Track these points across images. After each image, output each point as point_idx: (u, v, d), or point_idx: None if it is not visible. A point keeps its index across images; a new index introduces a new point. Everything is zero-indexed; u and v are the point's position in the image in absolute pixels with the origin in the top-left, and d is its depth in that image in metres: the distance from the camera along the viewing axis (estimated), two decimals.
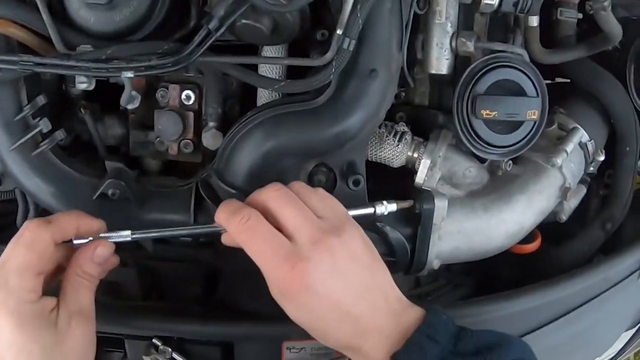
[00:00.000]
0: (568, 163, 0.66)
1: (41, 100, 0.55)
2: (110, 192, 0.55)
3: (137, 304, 0.67)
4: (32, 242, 0.45)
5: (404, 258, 0.60)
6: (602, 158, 0.70)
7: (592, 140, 0.69)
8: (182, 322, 0.58)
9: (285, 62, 0.58)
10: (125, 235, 0.50)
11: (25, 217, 0.63)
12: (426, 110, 0.66)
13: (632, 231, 0.73)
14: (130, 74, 0.51)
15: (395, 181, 0.65)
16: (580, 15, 0.68)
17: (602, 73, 0.69)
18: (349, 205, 0.52)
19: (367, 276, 0.48)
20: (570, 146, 0.66)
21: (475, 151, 0.60)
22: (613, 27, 0.61)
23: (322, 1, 0.53)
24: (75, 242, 0.49)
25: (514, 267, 0.74)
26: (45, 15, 0.50)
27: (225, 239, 0.50)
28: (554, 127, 0.69)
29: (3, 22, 0.51)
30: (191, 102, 0.60)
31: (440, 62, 0.61)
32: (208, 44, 0.51)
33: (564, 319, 0.65)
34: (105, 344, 0.58)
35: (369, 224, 0.55)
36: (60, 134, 0.57)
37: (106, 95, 0.60)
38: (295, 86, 0.54)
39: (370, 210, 0.53)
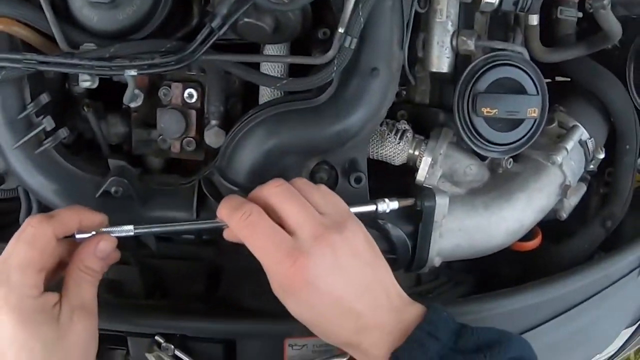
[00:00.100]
0: (568, 161, 0.66)
1: (44, 98, 0.56)
2: (113, 189, 0.56)
3: (140, 302, 0.67)
4: (33, 238, 0.45)
5: (405, 255, 0.60)
6: (602, 156, 0.70)
7: (592, 138, 0.69)
8: (185, 320, 0.58)
9: (287, 61, 0.58)
10: (128, 230, 0.50)
11: (28, 215, 0.63)
12: (427, 109, 0.66)
13: (632, 229, 0.74)
14: (133, 72, 0.51)
15: (396, 179, 0.65)
16: (580, 14, 0.69)
17: (602, 71, 0.69)
18: (350, 203, 0.52)
19: (368, 273, 0.48)
20: (571, 144, 0.66)
21: (476, 149, 0.60)
22: (613, 25, 0.62)
23: (323, 0, 0.54)
24: (77, 236, 0.49)
25: (514, 265, 0.74)
26: (48, 14, 0.51)
27: (227, 235, 0.50)
28: (554, 125, 0.69)
29: (7, 21, 0.52)
30: (194, 100, 0.60)
31: (441, 61, 0.61)
32: (210, 42, 0.51)
33: (565, 316, 0.65)
34: (107, 342, 0.58)
35: (370, 221, 0.56)
36: (63, 132, 0.57)
37: (109, 93, 0.60)
38: (297, 84, 0.54)
39: (372, 207, 0.54)
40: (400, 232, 0.59)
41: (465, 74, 0.59)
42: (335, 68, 0.52)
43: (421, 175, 0.62)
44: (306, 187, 0.50)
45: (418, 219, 0.59)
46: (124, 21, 0.53)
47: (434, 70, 0.62)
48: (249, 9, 0.51)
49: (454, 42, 0.60)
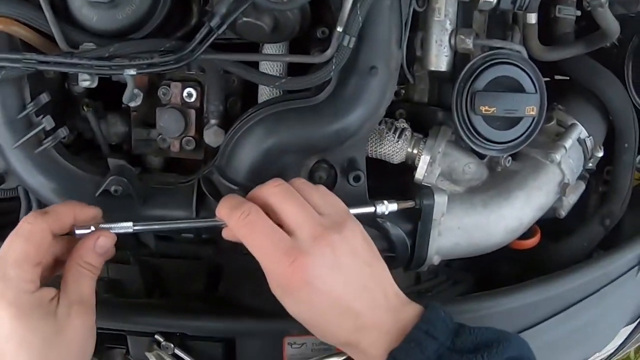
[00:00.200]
0: (567, 159, 0.66)
1: (44, 98, 0.56)
2: (112, 189, 0.56)
3: (140, 301, 0.67)
4: (29, 233, 0.46)
5: (404, 254, 0.60)
6: (600, 154, 0.70)
7: (591, 137, 0.70)
8: (185, 318, 0.58)
9: (286, 60, 0.58)
10: (127, 226, 0.50)
11: None
12: (426, 107, 0.66)
13: (631, 227, 0.74)
14: (132, 72, 0.51)
15: (395, 177, 0.65)
16: (579, 13, 0.69)
17: (601, 70, 0.69)
18: (349, 201, 0.52)
19: (367, 273, 0.48)
20: (569, 142, 0.66)
21: (474, 147, 0.60)
22: (610, 23, 0.62)
23: None
24: (77, 232, 0.49)
25: (513, 263, 0.74)
26: (48, 14, 0.51)
27: (225, 234, 0.51)
28: (552, 123, 0.69)
29: (6, 21, 0.52)
30: (193, 99, 0.60)
31: (439, 59, 0.61)
32: (209, 41, 0.51)
33: (564, 315, 0.65)
34: (107, 341, 0.58)
35: (369, 220, 0.56)
36: (63, 132, 0.57)
37: (109, 93, 0.60)
38: (295, 83, 0.54)
39: (370, 209, 0.54)
40: (399, 231, 0.59)
41: (463, 72, 0.59)
42: (333, 67, 0.52)
43: (420, 173, 0.62)
44: (305, 187, 0.50)
45: (417, 218, 0.59)
46: (123, 21, 0.53)
47: (433, 68, 0.62)
48: (248, 8, 0.51)
49: (453, 41, 0.60)
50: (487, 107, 0.58)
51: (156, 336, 0.57)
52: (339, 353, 0.57)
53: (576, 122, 0.69)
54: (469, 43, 0.60)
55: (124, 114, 0.63)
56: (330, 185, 0.58)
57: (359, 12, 0.51)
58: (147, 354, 0.57)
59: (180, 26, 0.57)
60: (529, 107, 0.59)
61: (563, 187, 0.66)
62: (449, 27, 0.60)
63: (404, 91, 0.67)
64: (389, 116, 0.64)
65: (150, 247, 0.64)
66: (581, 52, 0.67)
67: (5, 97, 0.55)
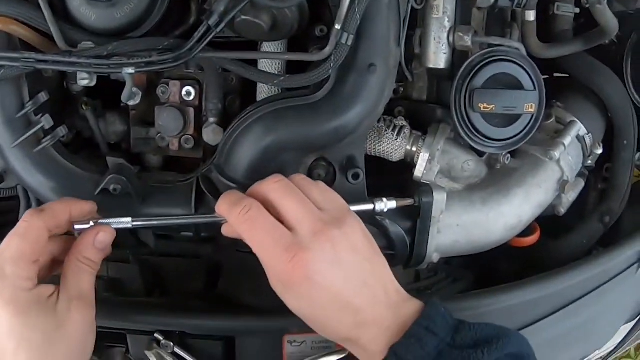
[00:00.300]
0: (566, 156, 0.66)
1: (43, 97, 0.56)
2: (111, 187, 0.56)
3: (140, 300, 0.67)
4: (25, 230, 0.46)
5: (403, 251, 0.60)
6: (600, 151, 0.70)
7: (590, 134, 0.70)
8: (184, 317, 0.58)
9: (284, 57, 0.58)
10: (126, 221, 0.50)
11: None
12: (424, 105, 0.66)
13: (631, 224, 0.74)
14: (131, 70, 0.51)
15: (394, 175, 0.65)
16: (577, 10, 0.69)
17: (599, 67, 0.69)
18: (348, 199, 0.52)
19: (367, 268, 0.48)
20: (568, 139, 0.66)
21: (473, 144, 0.60)
22: (609, 20, 0.62)
23: None
24: (76, 227, 0.49)
25: (512, 261, 0.74)
26: (46, 13, 0.51)
27: (225, 230, 0.51)
28: (551, 120, 0.69)
29: (5, 20, 0.52)
30: (192, 98, 0.61)
31: (438, 57, 0.61)
32: (208, 39, 0.51)
33: (563, 312, 0.65)
34: (107, 339, 0.58)
35: (368, 217, 0.56)
36: (62, 131, 0.57)
37: (107, 92, 0.60)
38: (294, 81, 0.54)
39: (369, 206, 0.54)
40: (398, 229, 0.59)
41: (462, 69, 0.59)
42: (332, 64, 0.52)
43: (419, 171, 0.62)
44: (305, 183, 0.50)
45: (416, 215, 0.59)
46: (121, 19, 0.53)
47: (431, 66, 0.62)
48: (246, 7, 0.51)
49: (451, 38, 0.60)
50: (485, 105, 0.58)
51: (156, 335, 0.57)
52: (339, 351, 0.57)
53: (575, 119, 0.69)
54: (467, 40, 0.60)
55: (123, 112, 0.63)
56: (329, 183, 0.58)
57: (357, 10, 0.51)
58: (146, 352, 0.57)
59: (178, 25, 0.57)
60: (528, 105, 0.59)
61: (562, 185, 0.66)
62: (447, 24, 0.60)
63: (402, 89, 0.67)
64: (388, 114, 0.64)
65: (150, 246, 0.64)
66: (580, 50, 0.67)
67: (4, 96, 0.55)
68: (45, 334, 0.45)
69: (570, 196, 0.68)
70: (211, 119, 0.60)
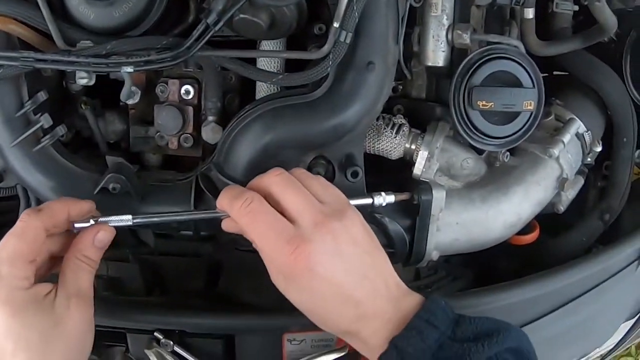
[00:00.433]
0: (565, 154, 0.66)
1: (42, 96, 0.56)
2: (111, 186, 0.56)
3: (139, 299, 0.67)
4: (22, 230, 0.46)
5: (402, 249, 0.60)
6: (599, 149, 0.70)
7: (589, 131, 0.70)
8: (184, 316, 0.59)
9: (282, 56, 0.58)
10: (126, 219, 0.50)
11: None
12: (423, 103, 0.66)
13: (630, 222, 0.74)
14: (129, 69, 0.51)
15: (393, 173, 0.65)
16: (576, 8, 0.69)
17: (599, 64, 0.69)
18: (347, 197, 0.52)
19: (367, 261, 0.48)
20: (567, 137, 0.66)
21: (472, 142, 0.60)
22: (608, 17, 0.62)
23: None
24: (76, 225, 0.49)
25: (512, 259, 0.74)
26: (45, 12, 0.51)
27: (226, 225, 0.51)
28: (551, 118, 0.69)
29: (4, 20, 0.52)
30: (190, 96, 0.61)
31: (436, 55, 0.61)
32: (206, 38, 0.51)
33: (563, 310, 0.65)
34: (107, 338, 0.58)
35: (368, 215, 0.56)
36: (61, 130, 0.57)
37: (106, 91, 0.60)
38: (293, 79, 0.54)
39: (368, 200, 0.54)
40: (397, 226, 0.60)
41: (460, 67, 0.59)
42: (330, 62, 0.52)
43: (418, 169, 0.62)
44: (305, 176, 0.50)
45: (415, 213, 0.59)
46: (120, 18, 0.53)
47: (430, 64, 0.62)
48: (245, 5, 0.51)
49: (450, 36, 0.60)
50: (484, 102, 0.58)
51: (156, 334, 0.57)
52: (339, 349, 0.57)
53: (574, 116, 0.69)
54: (466, 38, 0.60)
55: (122, 111, 0.63)
56: (329, 181, 0.58)
57: (355, 8, 0.51)
58: (146, 351, 0.57)
59: (177, 23, 0.57)
60: (527, 102, 0.59)
61: (561, 182, 0.66)
62: (446, 22, 0.60)
63: (401, 87, 0.67)
64: (387, 112, 0.64)
65: (150, 245, 0.64)
66: (579, 47, 0.67)
67: (3, 96, 0.55)
68: (42, 333, 0.45)
69: (569, 194, 0.68)
70: (210, 118, 0.60)
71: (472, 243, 0.64)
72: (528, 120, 0.60)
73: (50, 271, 0.50)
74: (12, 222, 0.48)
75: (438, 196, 0.58)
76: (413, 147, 0.63)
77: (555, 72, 0.77)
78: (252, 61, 0.58)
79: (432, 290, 0.72)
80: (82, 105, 0.61)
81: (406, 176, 0.63)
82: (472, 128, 0.59)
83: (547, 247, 0.73)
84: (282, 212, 0.47)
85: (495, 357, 0.44)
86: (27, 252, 0.46)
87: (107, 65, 0.51)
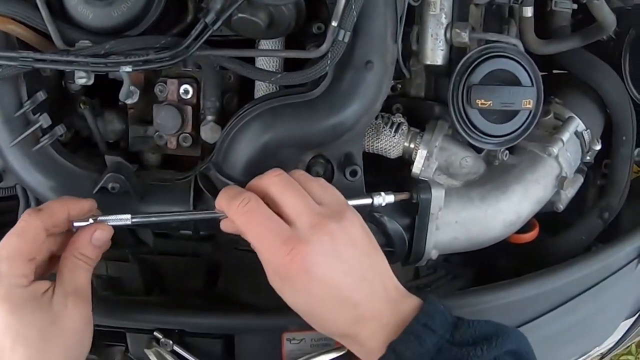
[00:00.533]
0: (564, 152, 0.66)
1: (41, 96, 0.56)
2: (110, 186, 0.56)
3: (139, 299, 0.67)
4: (22, 229, 0.46)
5: (402, 248, 0.60)
6: (598, 147, 0.70)
7: (588, 130, 0.69)
8: (183, 315, 0.59)
9: (281, 55, 0.58)
10: (125, 218, 0.50)
11: None
12: (422, 102, 0.66)
13: (630, 220, 0.74)
14: (128, 69, 0.51)
15: (392, 172, 0.65)
16: (575, 6, 0.69)
17: (597, 63, 0.69)
18: (346, 196, 0.52)
19: (366, 263, 0.48)
20: (566, 135, 0.66)
21: (471, 141, 0.60)
22: (606, 15, 0.62)
23: None
24: (75, 224, 0.49)
25: (511, 257, 0.74)
26: (44, 12, 0.51)
27: (224, 226, 0.51)
28: (549, 116, 0.69)
29: (3, 20, 0.52)
30: (189, 96, 0.61)
31: (435, 53, 0.61)
32: (205, 37, 0.51)
33: (562, 309, 0.65)
34: (106, 338, 0.58)
35: (367, 214, 0.56)
36: (60, 129, 0.57)
37: (105, 91, 0.60)
38: (291, 78, 0.54)
39: (368, 200, 0.54)
40: (396, 225, 0.60)
41: (459, 66, 0.59)
42: (329, 61, 0.52)
43: (417, 168, 0.62)
44: (304, 178, 0.50)
45: (414, 212, 0.59)
46: (118, 18, 0.53)
47: (429, 63, 0.62)
48: (243, 5, 0.51)
49: (448, 35, 0.60)
50: (483, 101, 0.58)
51: (155, 333, 0.57)
52: (338, 348, 0.57)
53: (573, 115, 0.69)
54: (464, 37, 0.60)
55: (121, 111, 0.63)
56: (327, 180, 0.57)
57: (353, 7, 0.51)
58: (146, 351, 0.57)
59: (175, 23, 0.57)
60: (526, 100, 0.59)
61: (561, 181, 0.66)
62: (444, 21, 0.60)
63: (400, 86, 0.68)
64: (386, 111, 0.64)
65: (149, 245, 0.64)
66: (577, 45, 0.67)
67: (2, 95, 0.55)
68: (41, 330, 0.45)
69: (569, 192, 0.68)
70: (209, 117, 0.60)
71: (472, 242, 0.64)
72: (527, 119, 0.60)
73: (50, 270, 0.50)
74: (12, 222, 0.48)
75: (437, 195, 0.58)
76: (412, 145, 0.63)
77: (554, 71, 0.77)
78: (251, 60, 0.58)
79: (432, 289, 0.72)
80: (81, 105, 0.61)
81: (405, 175, 0.63)
82: (471, 127, 0.59)
83: (546, 245, 0.73)
84: (280, 214, 0.47)
85: None
86: (27, 250, 0.46)
87: (106, 65, 0.51)
